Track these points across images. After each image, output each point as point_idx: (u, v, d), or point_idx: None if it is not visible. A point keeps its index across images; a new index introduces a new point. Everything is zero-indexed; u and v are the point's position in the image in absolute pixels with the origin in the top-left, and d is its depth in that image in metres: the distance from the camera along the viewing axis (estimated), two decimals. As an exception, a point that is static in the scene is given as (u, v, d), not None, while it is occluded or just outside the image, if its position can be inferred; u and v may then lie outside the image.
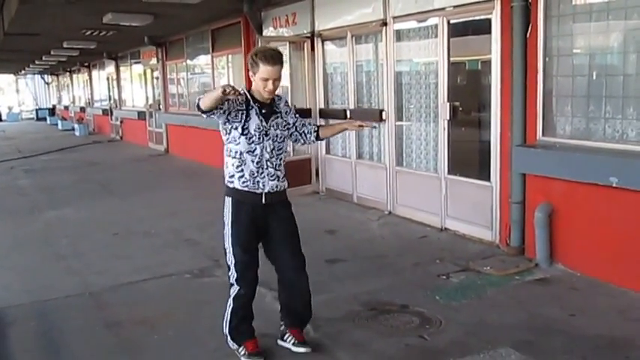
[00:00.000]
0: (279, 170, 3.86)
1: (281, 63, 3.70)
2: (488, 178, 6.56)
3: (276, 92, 3.86)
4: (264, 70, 3.62)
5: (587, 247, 5.47)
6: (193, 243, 7.21)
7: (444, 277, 5.63)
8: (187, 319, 4.84)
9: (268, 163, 3.78)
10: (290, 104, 4.10)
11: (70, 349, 4.49)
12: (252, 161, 3.75)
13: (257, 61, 3.63)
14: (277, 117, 3.84)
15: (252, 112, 3.74)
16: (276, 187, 3.84)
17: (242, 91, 3.71)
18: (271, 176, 3.80)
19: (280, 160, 3.87)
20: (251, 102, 3.74)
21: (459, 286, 5.40)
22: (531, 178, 5.95)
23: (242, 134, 3.71)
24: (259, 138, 3.74)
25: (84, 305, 5.30)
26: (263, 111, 3.77)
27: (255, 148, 3.74)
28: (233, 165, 3.79)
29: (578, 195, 5.49)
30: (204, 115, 3.62)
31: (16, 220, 8.90)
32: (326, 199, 9.39)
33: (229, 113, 3.66)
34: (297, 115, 4.02)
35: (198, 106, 3.57)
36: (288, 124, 3.93)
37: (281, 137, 3.86)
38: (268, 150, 3.78)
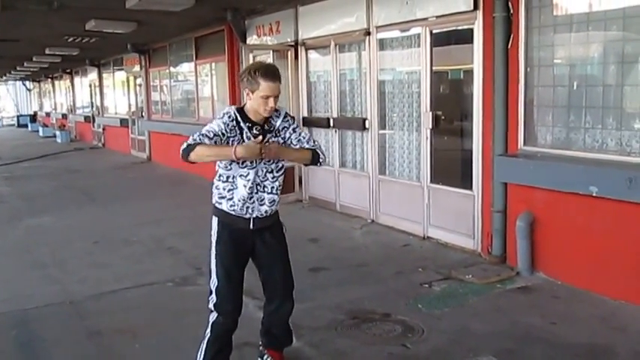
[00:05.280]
0: (274, 194, 3.65)
1: (280, 78, 3.49)
2: (470, 187, 6.60)
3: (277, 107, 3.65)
4: (265, 86, 3.41)
5: (568, 255, 5.52)
6: (175, 251, 7.17)
7: (427, 285, 5.65)
8: (169, 328, 4.82)
9: (259, 187, 3.58)
10: (290, 117, 3.76)
11: (50, 358, 4.46)
12: (245, 186, 3.54)
13: (256, 77, 3.42)
14: (271, 137, 3.57)
15: (244, 136, 3.51)
16: (266, 212, 3.64)
17: (233, 116, 3.53)
18: (261, 201, 3.60)
19: (276, 183, 3.65)
20: (241, 124, 3.52)
21: (441, 294, 5.43)
22: (513, 187, 5.99)
23: (233, 160, 3.49)
24: (252, 162, 3.52)
25: (65, 314, 5.26)
26: (255, 132, 3.52)
27: (248, 173, 3.54)
28: (224, 189, 3.59)
29: (559, 204, 5.54)
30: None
31: (-4, 227, 8.81)
32: (309, 208, 9.39)
33: (226, 138, 3.48)
34: (296, 129, 3.71)
35: (187, 155, 3.40)
36: (284, 140, 3.64)
37: (273, 160, 3.61)
38: (260, 174, 3.57)
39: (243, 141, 3.49)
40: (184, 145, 3.42)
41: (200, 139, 3.41)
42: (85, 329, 4.91)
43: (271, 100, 3.45)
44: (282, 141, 3.63)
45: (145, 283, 5.98)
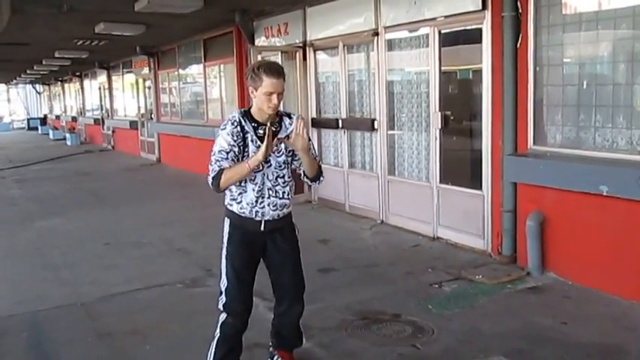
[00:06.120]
0: (285, 199, 3.63)
1: (284, 76, 3.48)
2: (479, 187, 6.59)
3: (290, 112, 3.69)
4: (268, 83, 3.39)
5: (579, 255, 5.49)
6: (185, 253, 7.20)
7: (437, 286, 5.64)
8: (179, 330, 4.83)
9: (270, 192, 3.55)
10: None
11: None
12: (253, 190, 3.52)
13: (259, 74, 3.40)
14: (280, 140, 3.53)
15: (248, 138, 3.50)
16: (278, 215, 3.63)
17: (237, 121, 3.52)
18: (273, 205, 3.58)
19: (287, 188, 3.63)
20: (245, 127, 3.50)
21: (452, 295, 5.41)
22: (522, 187, 5.97)
23: (254, 170, 3.48)
24: (261, 165, 3.49)
25: (76, 316, 5.28)
26: (260, 133, 3.48)
27: (255, 176, 3.51)
28: (236, 191, 3.58)
29: (570, 203, 5.52)
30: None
31: (7, 230, 8.85)
32: (318, 209, 9.39)
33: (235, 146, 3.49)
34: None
35: (218, 185, 3.43)
36: (291, 148, 3.60)
37: (284, 164, 3.60)
38: (270, 178, 3.55)
39: (247, 145, 3.50)
40: (210, 180, 3.46)
41: (220, 166, 3.44)
42: (95, 331, 4.92)
43: (274, 96, 3.43)
44: (291, 148, 3.61)
45: (156, 284, 6.00)
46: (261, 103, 3.48)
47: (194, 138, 13.77)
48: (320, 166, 3.75)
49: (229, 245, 3.66)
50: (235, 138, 3.49)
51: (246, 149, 3.51)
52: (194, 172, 13.56)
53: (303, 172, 3.70)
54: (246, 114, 3.58)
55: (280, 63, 9.46)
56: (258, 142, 3.48)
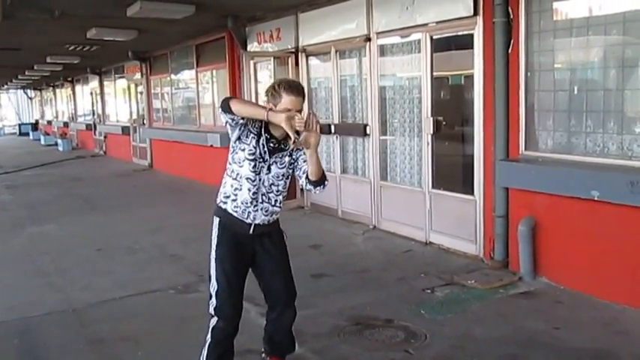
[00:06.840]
0: (277, 206, 3.69)
1: (304, 94, 3.51)
2: (471, 192, 6.60)
3: None
4: (287, 100, 3.42)
5: (571, 260, 5.51)
6: (178, 258, 7.17)
7: (429, 291, 5.64)
8: (172, 336, 4.81)
9: (264, 198, 3.61)
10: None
11: (52, 366, 4.46)
12: (249, 190, 3.57)
13: (279, 91, 3.45)
14: (283, 155, 3.61)
15: (260, 142, 3.55)
16: (268, 221, 3.68)
17: (259, 123, 3.54)
18: (265, 211, 3.63)
19: (280, 197, 3.69)
20: (262, 131, 3.55)
21: (444, 300, 5.42)
22: (514, 192, 5.99)
23: (247, 158, 3.54)
24: (260, 170, 3.57)
25: (67, 322, 5.25)
26: (270, 145, 3.56)
27: (256, 178, 3.56)
28: (232, 186, 3.62)
29: (561, 208, 5.54)
30: (225, 117, 3.44)
31: (-2, 236, 8.81)
32: (311, 214, 9.39)
33: (243, 130, 3.51)
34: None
35: (227, 105, 3.38)
36: (293, 160, 3.67)
37: (282, 176, 3.66)
38: (266, 184, 3.60)
39: (257, 145, 3.54)
40: (222, 101, 3.45)
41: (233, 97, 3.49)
42: (87, 337, 4.90)
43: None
44: (292, 161, 3.66)
45: (148, 290, 5.98)
46: None
47: (186, 143, 13.75)
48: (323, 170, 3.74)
49: (219, 248, 3.67)
50: (249, 126, 3.52)
51: (257, 147, 3.54)
52: (186, 178, 13.56)
53: (307, 177, 3.65)
54: (266, 123, 3.57)
55: (272, 69, 9.52)
56: (266, 150, 3.55)
